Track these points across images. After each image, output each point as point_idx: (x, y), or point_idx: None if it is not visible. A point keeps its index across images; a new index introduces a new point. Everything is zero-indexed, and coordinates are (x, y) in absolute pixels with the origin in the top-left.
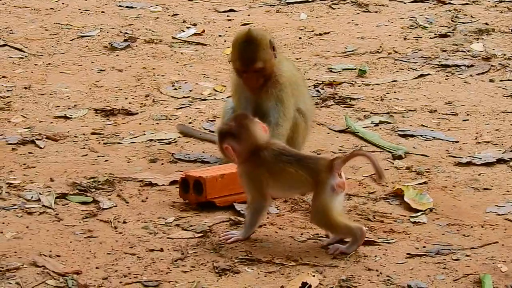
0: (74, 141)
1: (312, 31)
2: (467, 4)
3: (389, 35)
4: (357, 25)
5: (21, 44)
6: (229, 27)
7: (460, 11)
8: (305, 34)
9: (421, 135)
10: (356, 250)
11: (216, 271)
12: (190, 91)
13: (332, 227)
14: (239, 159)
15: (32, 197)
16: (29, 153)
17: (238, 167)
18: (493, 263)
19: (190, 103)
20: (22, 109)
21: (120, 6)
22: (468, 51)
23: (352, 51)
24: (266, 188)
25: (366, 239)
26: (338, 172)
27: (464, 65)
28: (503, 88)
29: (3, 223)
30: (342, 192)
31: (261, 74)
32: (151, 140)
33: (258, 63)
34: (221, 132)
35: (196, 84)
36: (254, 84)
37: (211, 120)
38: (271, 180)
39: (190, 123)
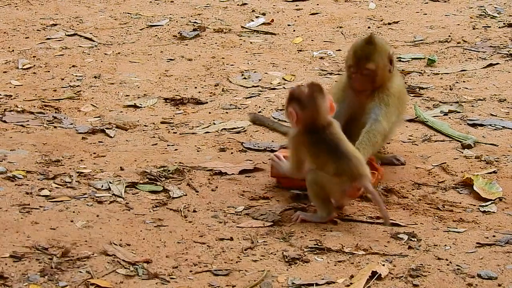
0: (143, 130)
1: (381, 20)
2: None
3: (458, 24)
4: (425, 14)
5: (90, 33)
6: (298, 17)
7: None
8: (373, 24)
9: (490, 125)
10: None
11: (286, 260)
12: (259, 80)
13: (313, 195)
14: (297, 126)
15: (102, 186)
16: (99, 142)
17: (291, 133)
18: None
19: (259, 92)
20: (92, 98)
21: None
22: None
23: (421, 40)
24: (304, 159)
25: (435, 228)
26: (358, 187)
27: None
28: None
29: (74, 212)
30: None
31: (370, 79)
32: (220, 129)
33: (371, 64)
34: (291, 94)
35: (265, 73)
36: (361, 86)
37: (280, 110)
38: (307, 154)
39: (259, 112)
